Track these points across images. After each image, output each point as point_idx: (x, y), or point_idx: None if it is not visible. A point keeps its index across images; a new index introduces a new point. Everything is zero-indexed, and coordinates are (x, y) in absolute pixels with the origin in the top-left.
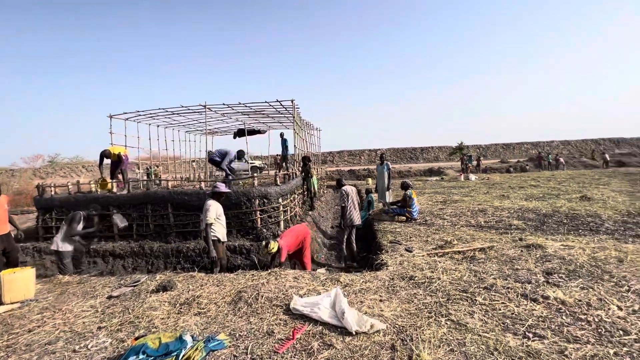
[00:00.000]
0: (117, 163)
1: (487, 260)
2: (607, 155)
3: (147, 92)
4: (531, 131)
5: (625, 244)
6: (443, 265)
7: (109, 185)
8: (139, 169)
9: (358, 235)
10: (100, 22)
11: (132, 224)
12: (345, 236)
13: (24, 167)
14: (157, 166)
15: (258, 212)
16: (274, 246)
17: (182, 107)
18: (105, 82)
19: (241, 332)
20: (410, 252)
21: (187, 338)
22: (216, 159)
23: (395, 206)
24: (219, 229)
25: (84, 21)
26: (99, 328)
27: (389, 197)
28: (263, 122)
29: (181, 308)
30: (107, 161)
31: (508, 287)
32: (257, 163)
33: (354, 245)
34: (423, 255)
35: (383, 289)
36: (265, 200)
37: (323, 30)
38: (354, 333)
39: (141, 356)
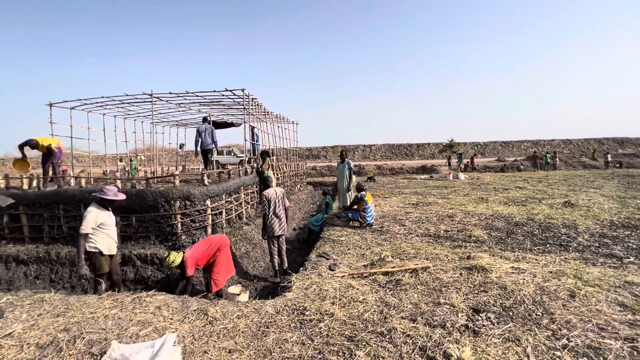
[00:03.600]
0: (48, 156)
1: (413, 287)
2: (609, 156)
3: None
4: (533, 129)
5: (592, 267)
6: (353, 293)
7: (25, 179)
8: (121, 161)
9: (313, 241)
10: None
11: (42, 226)
12: (275, 248)
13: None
14: (138, 157)
15: (179, 216)
16: (174, 258)
17: (128, 95)
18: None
19: None
20: (333, 270)
21: None
22: (209, 148)
23: (348, 209)
24: (101, 240)
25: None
26: None
27: (350, 200)
28: (232, 115)
29: None
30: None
31: (408, 335)
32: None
33: (284, 258)
34: (344, 276)
35: (252, 329)
36: (187, 202)
37: (320, 20)
38: None
39: None
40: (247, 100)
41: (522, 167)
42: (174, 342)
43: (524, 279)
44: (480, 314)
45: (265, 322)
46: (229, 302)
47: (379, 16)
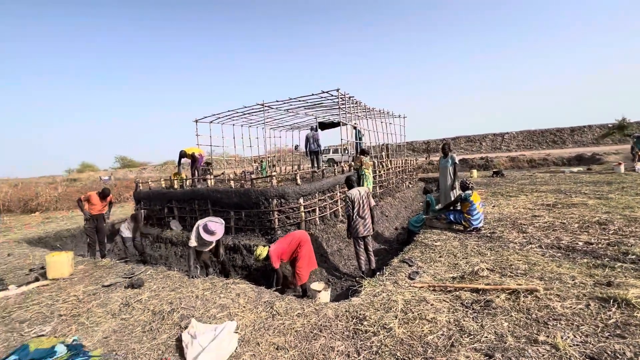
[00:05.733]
0: (193, 162)
1: (506, 312)
2: None
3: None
4: None
5: None
6: (424, 309)
7: (175, 182)
8: (255, 162)
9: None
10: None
11: (186, 216)
12: (361, 249)
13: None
14: (262, 161)
15: (275, 213)
16: (261, 252)
17: (246, 107)
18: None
19: (118, 351)
20: (412, 279)
21: (60, 348)
22: (315, 150)
23: (449, 210)
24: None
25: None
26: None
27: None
28: (337, 115)
29: (118, 310)
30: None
31: None
32: None
33: (372, 258)
34: (422, 287)
35: (306, 330)
36: (282, 200)
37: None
38: None
39: (13, 357)
40: (343, 99)
41: None
42: (235, 329)
43: None
44: None
45: (321, 324)
46: (295, 299)
47: None
